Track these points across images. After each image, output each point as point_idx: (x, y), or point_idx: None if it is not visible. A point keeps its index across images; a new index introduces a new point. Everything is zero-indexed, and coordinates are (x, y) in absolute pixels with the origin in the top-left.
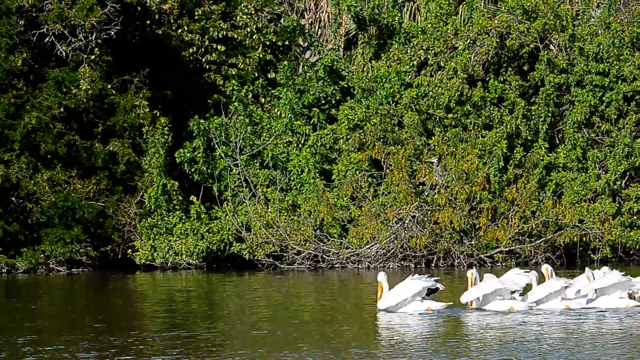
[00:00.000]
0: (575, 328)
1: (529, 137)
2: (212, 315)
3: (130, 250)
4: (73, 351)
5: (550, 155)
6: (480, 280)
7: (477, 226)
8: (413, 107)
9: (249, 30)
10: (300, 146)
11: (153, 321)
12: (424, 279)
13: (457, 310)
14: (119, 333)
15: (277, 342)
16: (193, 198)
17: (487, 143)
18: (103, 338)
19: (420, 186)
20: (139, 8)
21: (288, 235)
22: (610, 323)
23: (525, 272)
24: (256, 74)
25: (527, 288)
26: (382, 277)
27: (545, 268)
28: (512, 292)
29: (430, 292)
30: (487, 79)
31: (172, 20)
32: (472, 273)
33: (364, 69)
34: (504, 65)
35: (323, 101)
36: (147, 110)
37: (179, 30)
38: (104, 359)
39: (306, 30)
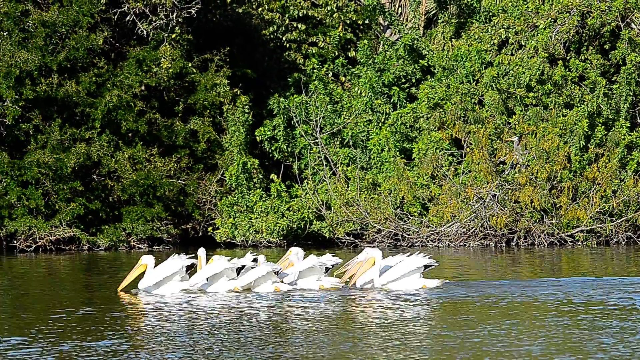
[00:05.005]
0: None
1: (610, 116)
2: None
3: (210, 227)
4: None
5: (632, 134)
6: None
7: (558, 205)
8: (494, 86)
9: (329, 8)
10: (380, 125)
11: None
12: (184, 258)
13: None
14: None
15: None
16: (273, 176)
17: (568, 122)
18: None
19: (501, 165)
20: None
21: (368, 213)
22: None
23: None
24: (336, 53)
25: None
26: (201, 252)
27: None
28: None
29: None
30: (568, 57)
31: None
32: (200, 255)
33: (444, 48)
34: (585, 43)
35: (403, 80)
36: (228, 88)
37: (260, 9)
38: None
39: (386, 9)
